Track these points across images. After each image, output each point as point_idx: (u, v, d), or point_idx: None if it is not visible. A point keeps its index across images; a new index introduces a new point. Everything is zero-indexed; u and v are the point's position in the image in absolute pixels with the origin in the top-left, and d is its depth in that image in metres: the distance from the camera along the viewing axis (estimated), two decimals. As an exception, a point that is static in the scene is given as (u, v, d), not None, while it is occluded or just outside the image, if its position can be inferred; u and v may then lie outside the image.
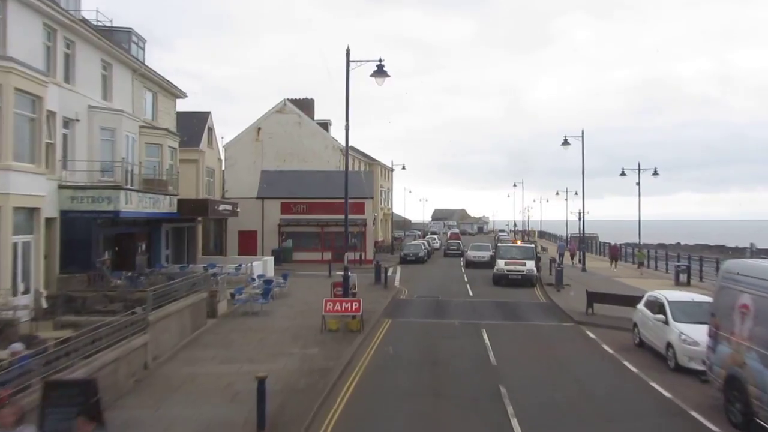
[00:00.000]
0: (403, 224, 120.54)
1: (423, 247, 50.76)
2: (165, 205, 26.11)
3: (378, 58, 21.03)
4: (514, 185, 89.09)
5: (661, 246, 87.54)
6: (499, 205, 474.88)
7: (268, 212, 46.11)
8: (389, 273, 38.73)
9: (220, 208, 29.64)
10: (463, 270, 42.02)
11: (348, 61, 20.96)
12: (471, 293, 28.87)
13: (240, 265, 27.66)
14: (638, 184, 44.17)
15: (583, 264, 40.27)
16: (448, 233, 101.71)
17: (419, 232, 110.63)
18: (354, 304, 18.45)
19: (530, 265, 31.35)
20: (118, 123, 24.03)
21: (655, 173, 43.90)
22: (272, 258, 33.56)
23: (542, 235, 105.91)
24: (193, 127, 41.87)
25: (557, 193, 75.08)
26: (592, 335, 19.05)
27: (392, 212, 75.38)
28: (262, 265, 29.88)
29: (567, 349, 17.48)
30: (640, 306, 17.27)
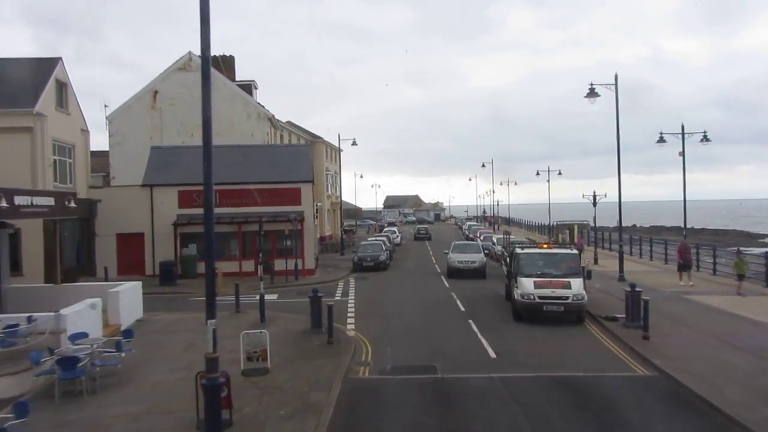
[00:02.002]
0: (354, 213, 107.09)
1: (383, 247, 37.37)
2: None
3: None
4: (483, 165, 76.59)
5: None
6: (453, 191, 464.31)
7: (159, 206, 31.87)
8: (338, 295, 25.32)
9: (13, 205, 15.49)
10: (445, 282, 28.85)
11: None
12: (488, 348, 15.58)
13: (30, 318, 13.62)
14: (681, 153, 31.82)
15: (621, 269, 27.63)
16: (384, 223, 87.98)
17: (372, 222, 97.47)
18: None
19: (577, 286, 18.31)
20: None
21: (705, 138, 31.69)
22: (135, 286, 19.52)
23: (509, 221, 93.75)
24: (26, 81, 27.30)
25: (537, 174, 62.82)
26: None
27: (341, 200, 61.87)
28: (90, 311, 15.69)
29: None
30: None
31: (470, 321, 19.03)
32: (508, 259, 23.45)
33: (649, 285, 25.55)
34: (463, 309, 21.39)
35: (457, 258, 30.82)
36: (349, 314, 20.98)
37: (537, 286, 18.38)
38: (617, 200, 28.59)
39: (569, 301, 18.08)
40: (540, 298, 18.16)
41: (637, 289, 17.30)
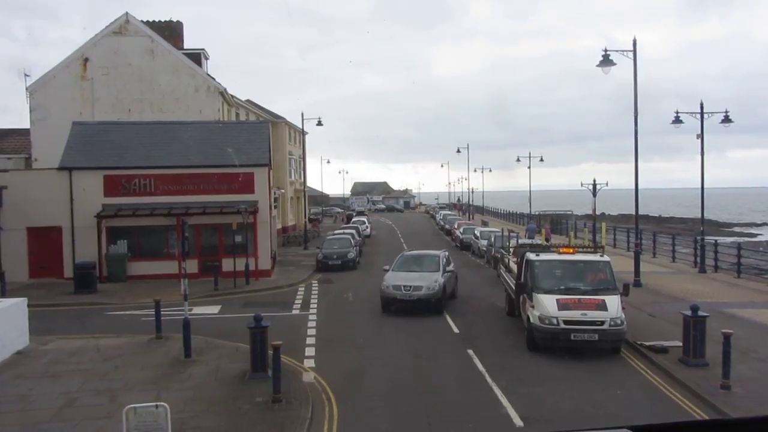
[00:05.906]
0: (321, 200, 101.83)
1: (351, 242, 32.46)
2: None
3: None
4: (458, 151, 72.06)
5: (587, 217, 73.36)
6: (421, 178, 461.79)
7: (80, 194, 26.31)
8: (297, 306, 20.41)
9: None
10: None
11: None
12: (507, 404, 10.73)
13: None
14: (699, 136, 27.59)
15: (636, 272, 23.19)
16: (353, 211, 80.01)
17: (339, 210, 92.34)
18: None
19: (615, 307, 13.69)
20: None
21: (727, 119, 27.49)
22: (15, 304, 14.34)
23: (483, 210, 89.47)
24: None
25: (518, 160, 58.61)
26: None
27: (305, 187, 56.53)
28: None
29: None
30: None
31: (470, 351, 14.28)
32: (508, 263, 18.81)
33: (675, 293, 21.26)
34: (456, 330, 16.64)
35: (393, 280, 19.03)
36: (308, 337, 16.06)
37: (561, 306, 13.69)
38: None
39: (605, 327, 13.45)
40: (566, 323, 13.47)
41: (702, 313, 12.74)
